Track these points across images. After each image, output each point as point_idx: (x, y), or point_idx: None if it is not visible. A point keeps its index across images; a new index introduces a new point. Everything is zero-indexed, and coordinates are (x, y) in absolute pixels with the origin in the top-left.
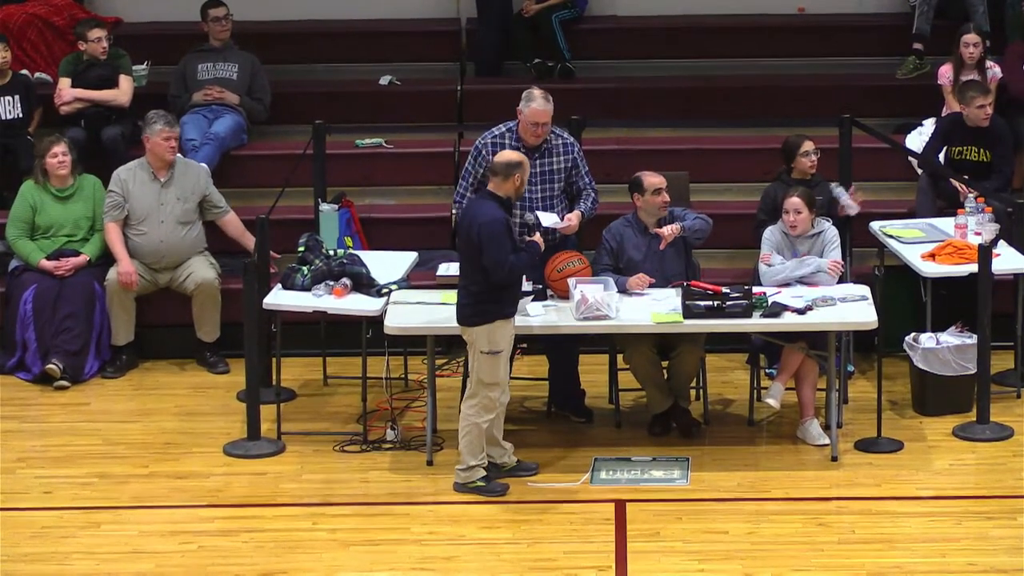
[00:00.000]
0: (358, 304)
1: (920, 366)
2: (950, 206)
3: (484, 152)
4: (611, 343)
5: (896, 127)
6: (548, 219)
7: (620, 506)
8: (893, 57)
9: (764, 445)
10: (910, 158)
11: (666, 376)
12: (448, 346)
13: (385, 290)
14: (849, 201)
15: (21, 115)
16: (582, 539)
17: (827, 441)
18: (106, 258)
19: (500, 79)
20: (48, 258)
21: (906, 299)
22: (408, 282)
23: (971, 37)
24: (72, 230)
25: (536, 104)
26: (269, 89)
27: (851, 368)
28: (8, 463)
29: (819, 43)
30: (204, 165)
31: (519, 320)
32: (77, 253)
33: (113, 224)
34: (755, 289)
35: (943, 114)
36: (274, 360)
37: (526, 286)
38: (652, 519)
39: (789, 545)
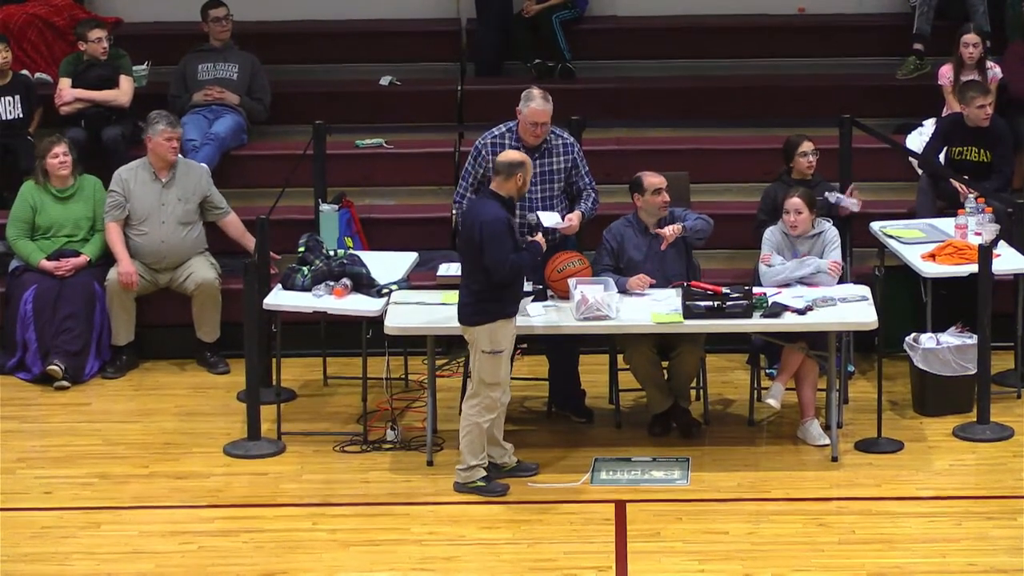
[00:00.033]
0: (358, 304)
1: (920, 366)
2: (950, 206)
3: (484, 152)
4: (611, 343)
5: (896, 127)
6: (549, 219)
7: (620, 506)
8: (893, 57)
9: (764, 445)
10: (910, 158)
11: (666, 376)
12: (448, 346)
13: (385, 290)
14: (849, 201)
15: (21, 115)
16: (582, 539)
17: (827, 441)
18: (106, 258)
19: (500, 79)
20: (48, 258)
21: (906, 299)
22: (408, 282)
23: (971, 37)
24: (72, 230)
25: (535, 104)
26: (269, 89)
27: (851, 368)
28: (8, 463)
29: (819, 43)
30: (205, 166)
31: (519, 320)
32: (77, 253)
33: (114, 224)
34: (755, 289)
35: (943, 114)
36: (274, 360)
37: (526, 286)
38: (652, 519)
39: (789, 545)
